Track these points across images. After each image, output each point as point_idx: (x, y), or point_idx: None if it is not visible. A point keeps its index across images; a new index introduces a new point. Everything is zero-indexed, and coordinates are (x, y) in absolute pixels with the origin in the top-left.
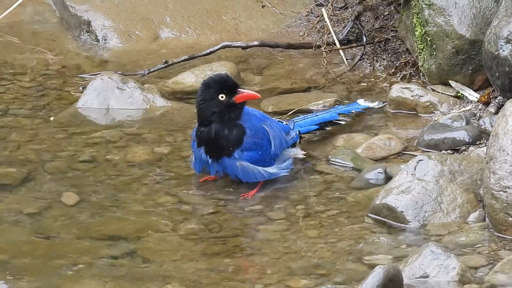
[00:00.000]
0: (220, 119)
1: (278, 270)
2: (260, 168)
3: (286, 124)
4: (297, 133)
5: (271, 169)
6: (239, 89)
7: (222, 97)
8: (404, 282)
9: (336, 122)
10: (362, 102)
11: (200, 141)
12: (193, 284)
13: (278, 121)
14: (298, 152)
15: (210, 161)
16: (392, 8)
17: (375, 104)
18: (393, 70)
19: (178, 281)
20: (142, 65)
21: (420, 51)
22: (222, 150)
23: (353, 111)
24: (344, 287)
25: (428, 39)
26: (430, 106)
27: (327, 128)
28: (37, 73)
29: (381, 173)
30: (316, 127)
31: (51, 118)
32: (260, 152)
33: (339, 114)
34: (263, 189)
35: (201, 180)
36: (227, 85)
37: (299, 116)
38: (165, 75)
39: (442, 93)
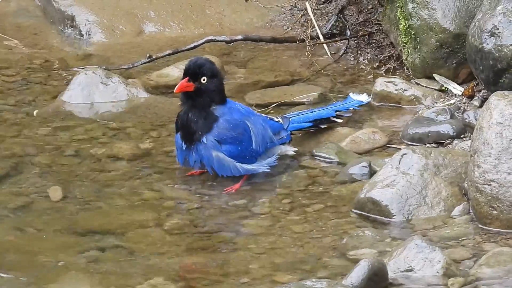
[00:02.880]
0: (183, 101)
1: (263, 265)
2: (238, 164)
3: (278, 121)
4: (289, 133)
5: (249, 166)
6: (191, 78)
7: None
8: (389, 276)
9: (332, 120)
10: (354, 96)
11: (177, 126)
12: (178, 279)
13: (269, 118)
14: (288, 149)
15: (184, 147)
16: (376, 1)
17: (365, 97)
18: (377, 64)
19: (163, 276)
20: (126, 59)
21: (404, 44)
22: (193, 134)
23: (351, 108)
24: (329, 281)
25: (412, 32)
26: (414, 99)
27: (322, 126)
28: (21, 67)
29: (365, 167)
30: (310, 124)
31: (34, 113)
32: (239, 148)
33: (336, 111)
34: (247, 184)
35: (188, 173)
36: (188, 69)
37: (294, 111)
38: (149, 69)
39: (426, 86)
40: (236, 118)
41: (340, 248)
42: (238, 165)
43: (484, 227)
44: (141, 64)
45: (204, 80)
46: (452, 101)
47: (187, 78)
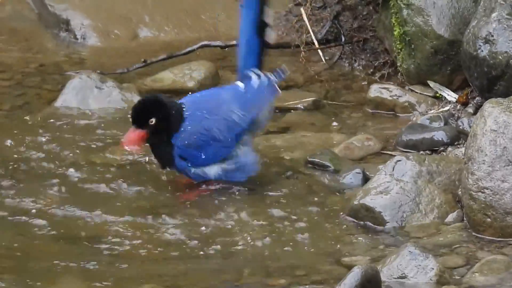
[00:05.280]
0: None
1: (257, 271)
2: (207, 168)
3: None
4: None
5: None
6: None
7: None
8: (382, 283)
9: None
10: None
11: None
12: (171, 285)
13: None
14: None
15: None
16: (371, 7)
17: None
18: (371, 70)
19: (156, 282)
20: (121, 64)
21: (399, 51)
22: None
23: None
24: (323, 287)
25: (407, 39)
26: (409, 106)
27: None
28: (15, 71)
29: (359, 173)
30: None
31: (28, 117)
32: (203, 155)
33: None
34: (240, 191)
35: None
36: (133, 116)
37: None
38: (144, 74)
39: (420, 93)
40: (193, 135)
41: (334, 254)
42: (210, 168)
43: (478, 234)
44: (135, 69)
45: (152, 122)
46: (446, 108)
47: (134, 126)
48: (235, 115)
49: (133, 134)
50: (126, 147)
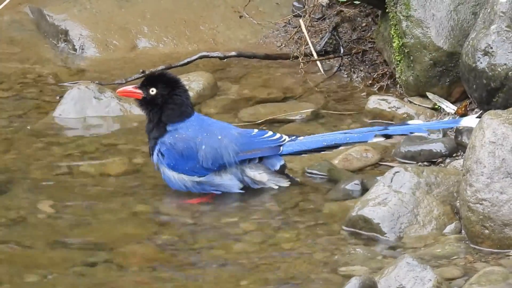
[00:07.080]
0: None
1: (254, 282)
2: (177, 175)
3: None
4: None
5: (194, 178)
6: (143, 87)
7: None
8: None
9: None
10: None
11: None
12: None
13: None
14: (259, 175)
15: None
16: (370, 19)
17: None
18: (370, 82)
19: None
20: (119, 74)
21: (398, 62)
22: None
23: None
24: None
25: (406, 50)
26: (407, 118)
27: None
28: (14, 81)
29: (357, 184)
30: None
31: (28, 127)
32: (182, 163)
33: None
34: (238, 200)
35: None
36: (145, 78)
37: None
38: None
39: (419, 105)
40: (185, 135)
41: (331, 264)
42: (182, 178)
43: (476, 246)
44: (134, 79)
45: (152, 91)
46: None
47: (138, 85)
48: (227, 153)
49: (131, 88)
50: (118, 92)
